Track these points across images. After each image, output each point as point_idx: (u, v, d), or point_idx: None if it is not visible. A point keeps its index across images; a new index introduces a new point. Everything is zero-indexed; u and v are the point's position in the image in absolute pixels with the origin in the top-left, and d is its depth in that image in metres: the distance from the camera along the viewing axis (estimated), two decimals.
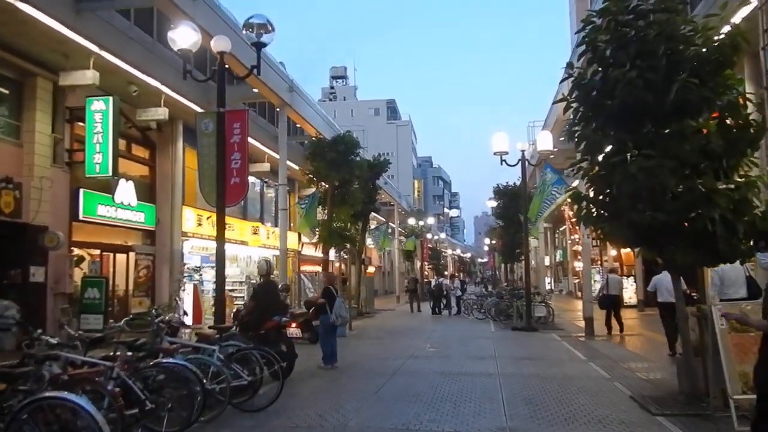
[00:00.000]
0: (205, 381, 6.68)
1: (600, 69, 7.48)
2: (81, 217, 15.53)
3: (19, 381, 4.87)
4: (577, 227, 31.56)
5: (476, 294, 29.93)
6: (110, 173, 14.97)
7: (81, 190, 15.51)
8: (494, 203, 33.68)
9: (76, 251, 15.81)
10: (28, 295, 13.91)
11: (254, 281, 24.66)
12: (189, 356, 7.20)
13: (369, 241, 34.99)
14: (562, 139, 27.80)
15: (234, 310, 11.94)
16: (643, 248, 7.82)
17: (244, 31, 10.00)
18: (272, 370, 7.62)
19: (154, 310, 7.88)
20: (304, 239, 28.99)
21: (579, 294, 34.89)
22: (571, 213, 33.68)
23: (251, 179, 26.77)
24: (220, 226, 10.18)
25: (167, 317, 8.38)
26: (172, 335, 8.25)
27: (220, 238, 10.14)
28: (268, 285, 10.20)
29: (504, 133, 18.33)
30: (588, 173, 7.94)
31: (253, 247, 25.58)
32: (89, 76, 14.16)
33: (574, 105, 7.89)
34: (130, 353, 6.31)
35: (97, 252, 16.75)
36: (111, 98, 15.00)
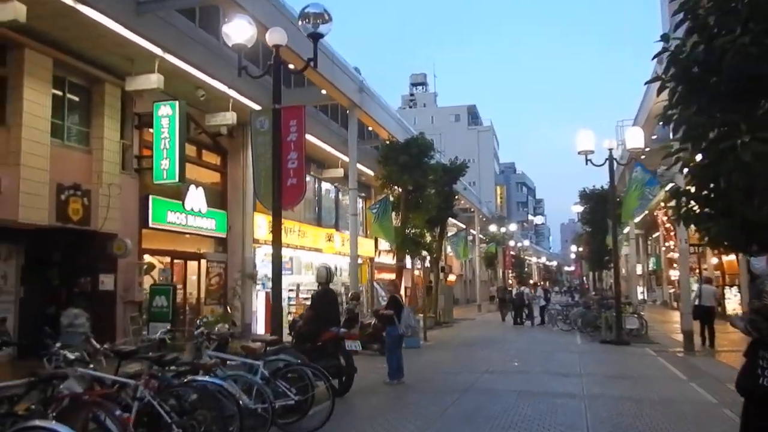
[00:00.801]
0: (243, 401, 5.98)
1: (702, 39, 6.27)
2: (150, 224, 15.38)
3: (3, 405, 4.29)
4: (672, 234, 29.43)
5: (561, 303, 28.25)
6: (177, 179, 14.76)
7: (150, 197, 15.37)
8: (580, 208, 31.91)
9: (147, 259, 15.70)
10: (98, 303, 13.82)
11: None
12: (230, 372, 6.54)
13: (449, 249, 34.00)
14: (655, 137, 25.92)
15: (290, 321, 11.26)
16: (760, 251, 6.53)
17: (300, 23, 9.32)
18: (327, 386, 6.83)
19: (199, 321, 7.26)
20: (381, 246, 28.35)
21: (675, 304, 32.54)
22: (665, 218, 31.47)
23: (325, 185, 26.40)
24: (276, 230, 9.57)
25: (216, 328, 7.78)
26: (221, 348, 7.63)
27: (276, 244, 9.51)
28: (326, 293, 9.47)
29: (590, 130, 16.92)
30: (688, 164, 6.70)
31: (327, 254, 25.12)
32: (154, 80, 13.99)
33: (671, 84, 6.68)
34: (160, 369, 5.70)
35: (168, 259, 16.62)
36: (177, 103, 14.83)
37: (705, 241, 6.71)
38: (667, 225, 30.89)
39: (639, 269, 43.87)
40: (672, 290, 36.20)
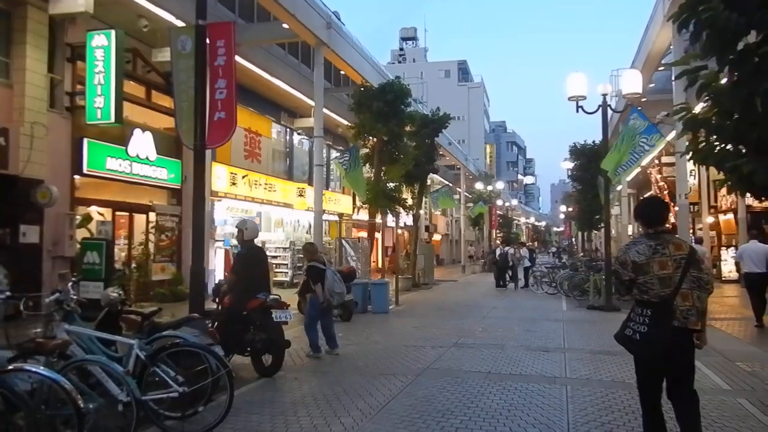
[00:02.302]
0: (111, 391, 4.38)
1: None
2: (85, 170, 13.71)
3: None
4: (665, 193, 27.90)
5: (547, 265, 26.76)
6: (112, 120, 13.04)
7: (85, 140, 13.63)
8: (570, 164, 30.25)
9: (83, 209, 14.03)
10: (19, 257, 12.20)
11: (298, 247, 22.60)
12: (87, 356, 4.91)
13: (432, 207, 32.43)
14: (653, 85, 24.09)
15: (215, 284, 9.63)
16: None
17: None
18: (225, 373, 5.20)
19: (71, 284, 5.58)
20: (360, 202, 26.74)
21: None
22: (659, 176, 29.85)
23: (297, 137, 24.59)
24: (198, 177, 7.90)
25: (110, 292, 6.12)
26: (111, 320, 6.00)
27: (198, 196, 7.87)
28: (250, 253, 7.79)
29: (581, 73, 15.12)
30: (710, 85, 5.01)
31: (299, 210, 23.49)
32: (81, 2, 12.19)
33: None
34: None
35: (108, 211, 14.94)
36: (113, 32, 13.01)
37: (730, 185, 5.04)
38: (661, 183, 29.32)
39: (630, 230, 42.50)
40: None
